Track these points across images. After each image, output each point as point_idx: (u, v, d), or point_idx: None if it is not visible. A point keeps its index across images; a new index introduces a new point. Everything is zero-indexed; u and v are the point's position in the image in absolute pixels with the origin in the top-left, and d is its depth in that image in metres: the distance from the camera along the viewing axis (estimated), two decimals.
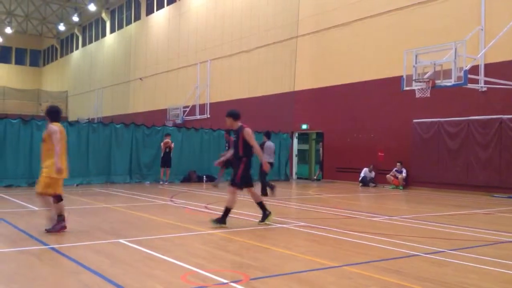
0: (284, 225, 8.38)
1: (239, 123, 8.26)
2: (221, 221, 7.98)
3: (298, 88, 22.69)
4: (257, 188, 10.05)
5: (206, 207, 10.76)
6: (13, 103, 44.77)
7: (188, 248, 6.26)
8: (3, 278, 4.77)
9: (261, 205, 8.43)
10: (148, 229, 7.94)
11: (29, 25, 47.43)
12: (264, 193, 13.20)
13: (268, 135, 14.84)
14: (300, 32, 22.68)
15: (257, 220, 8.60)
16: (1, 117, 16.38)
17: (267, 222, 8.32)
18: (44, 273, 4.95)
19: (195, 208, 10.64)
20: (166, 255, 5.71)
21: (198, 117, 28.53)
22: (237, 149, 8.28)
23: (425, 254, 6.18)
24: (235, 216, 9.48)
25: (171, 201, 12.06)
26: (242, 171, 8.16)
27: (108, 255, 5.73)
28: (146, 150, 18.31)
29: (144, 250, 6.03)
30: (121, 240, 6.62)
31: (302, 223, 8.61)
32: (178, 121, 29.09)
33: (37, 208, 10.12)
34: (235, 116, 8.29)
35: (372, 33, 19.55)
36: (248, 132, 8.07)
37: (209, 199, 12.62)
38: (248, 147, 8.13)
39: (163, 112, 31.41)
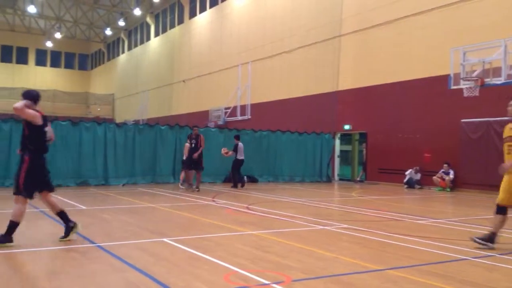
0: (327, 227, 8.29)
1: None
2: (4, 239, 6.13)
3: (340, 88, 22.43)
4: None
5: (247, 208, 10.80)
6: (62, 106, 46.49)
7: (231, 248, 6.30)
8: (51, 275, 4.94)
9: (62, 215, 6.73)
10: (191, 228, 8.05)
11: (77, 30, 49.15)
12: (235, 185, 16.58)
13: (238, 137, 17.11)
14: (343, 31, 22.41)
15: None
16: (51, 119, 17.02)
17: (70, 237, 6.59)
18: (90, 270, 5.10)
19: (237, 209, 10.70)
20: (209, 255, 5.77)
21: (239, 118, 28.70)
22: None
23: (473, 258, 5.96)
24: (278, 217, 9.47)
25: (213, 201, 12.18)
26: (25, 175, 6.28)
27: (152, 254, 5.84)
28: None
29: (187, 249, 6.11)
30: (165, 239, 6.74)
31: (345, 225, 8.49)
32: (220, 122, 29.37)
33: (84, 207, 10.46)
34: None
35: (417, 31, 19.07)
36: None
37: (251, 200, 12.67)
38: (32, 138, 6.31)
39: (205, 113, 31.81)
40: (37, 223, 8.34)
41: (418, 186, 18.24)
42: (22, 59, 50.80)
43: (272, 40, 26.80)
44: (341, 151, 23.21)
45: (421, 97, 18.72)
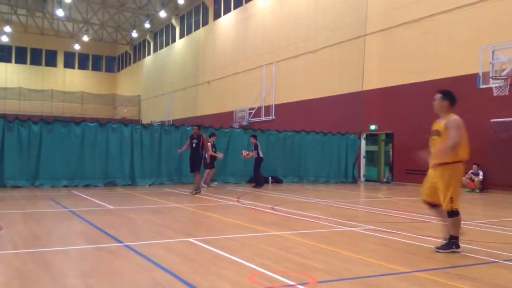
0: (352, 228, 8.22)
1: None
2: None
3: (366, 87, 22.21)
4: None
5: (272, 208, 10.80)
6: (90, 107, 47.38)
7: (255, 248, 6.31)
8: (81, 273, 5.04)
9: None
10: (216, 229, 8.09)
11: (104, 33, 50.00)
12: (259, 185, 16.69)
13: (255, 136, 17.63)
14: (368, 30, 22.19)
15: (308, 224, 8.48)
16: (79, 120, 17.39)
17: None
18: (118, 269, 5.18)
19: (261, 209, 10.70)
20: (234, 255, 5.79)
21: (264, 118, 28.72)
22: None
23: (503, 261, 5.82)
24: (302, 218, 9.44)
25: (238, 201, 12.22)
26: None
27: (178, 254, 5.90)
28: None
29: (212, 249, 6.14)
30: (190, 239, 6.80)
31: (371, 227, 8.40)
32: (244, 123, 29.46)
33: (112, 207, 10.63)
34: None
35: (443, 29, 18.74)
36: None
37: (275, 200, 12.66)
38: None
39: (230, 114, 31.95)
40: (66, 222, 8.52)
41: None
42: (51, 61, 51.95)
43: (297, 40, 26.73)
44: (366, 151, 22.98)
45: None
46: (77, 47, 49.96)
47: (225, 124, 25.08)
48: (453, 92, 6.54)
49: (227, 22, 34.34)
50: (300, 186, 18.30)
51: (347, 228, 8.21)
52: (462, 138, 6.11)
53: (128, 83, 53.55)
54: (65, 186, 15.61)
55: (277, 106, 28.20)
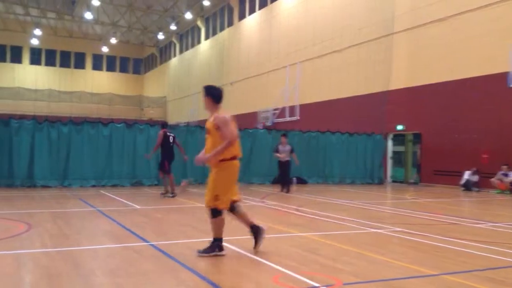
0: (379, 230, 8.11)
1: None
2: None
3: (393, 87, 21.91)
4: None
5: (297, 209, 10.76)
6: (118, 109, 48.14)
7: (280, 250, 6.29)
8: (109, 272, 5.12)
9: None
10: (240, 229, 8.09)
11: (131, 35, 50.74)
12: (288, 190, 15.16)
13: (286, 135, 16.36)
14: (395, 29, 21.88)
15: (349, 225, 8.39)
16: (107, 121, 17.68)
17: None
18: (145, 268, 5.24)
19: (286, 210, 10.67)
20: (258, 256, 5.78)
21: (288, 119, 28.64)
22: None
23: None
24: (328, 219, 9.37)
25: (263, 202, 12.21)
26: None
27: None
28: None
29: (236, 249, 6.16)
30: None
31: (398, 228, 8.28)
32: (268, 124, 29.43)
33: (139, 207, 10.77)
34: None
35: (473, 27, 18.33)
36: None
37: (300, 201, 12.61)
38: None
39: (254, 115, 31.97)
40: (94, 221, 8.67)
41: (476, 189, 17.51)
42: (79, 64, 53.00)
43: (322, 40, 26.57)
44: (393, 152, 22.67)
45: (477, 96, 17.98)
46: (105, 49, 50.83)
47: (249, 125, 25.11)
48: (218, 87, 6.13)
49: (252, 22, 34.39)
50: (325, 187, 18.17)
51: (373, 230, 8.10)
52: (234, 135, 5.79)
53: (154, 85, 54.18)
54: (93, 186, 15.89)
55: (301, 106, 28.08)
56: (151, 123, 19.27)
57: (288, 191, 15.11)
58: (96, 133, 16.34)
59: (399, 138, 22.76)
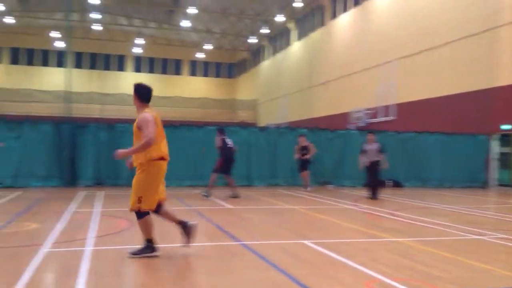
0: (480, 237, 7.56)
1: None
2: None
3: (498, 84, 20.34)
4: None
5: (391, 214, 10.36)
6: (211, 112, 49.87)
7: (373, 254, 6.09)
8: (203, 270, 5.29)
9: None
10: (331, 232, 7.98)
11: (225, 41, 52.33)
12: (375, 196, 13.18)
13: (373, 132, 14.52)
14: (500, 22, 20.30)
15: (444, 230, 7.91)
16: (201, 125, 18.37)
17: None
18: (236, 267, 5.34)
19: (380, 214, 10.33)
20: (350, 260, 5.65)
21: (382, 119, 27.72)
22: None
23: None
24: (425, 224, 8.93)
25: (355, 205, 11.93)
26: None
27: (293, 255, 5.91)
28: (329, 154, 18.49)
29: (328, 253, 6.06)
30: (305, 241, 6.78)
31: (502, 235, 7.65)
32: (361, 124, 28.72)
33: (231, 206, 11.04)
34: None
35: None
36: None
37: (395, 205, 12.13)
38: None
39: (346, 115, 31.39)
40: (190, 219, 9.01)
41: None
42: (177, 70, 55.75)
43: (418, 36, 25.41)
44: (500, 153, 21.01)
45: None
46: (200, 55, 52.94)
47: (341, 125, 24.69)
48: (147, 85, 5.89)
49: (345, 21, 33.85)
50: (422, 191, 17.32)
51: (474, 236, 7.56)
52: (157, 135, 5.58)
53: (246, 88, 55.35)
54: (189, 185, 16.57)
55: (397, 105, 27.06)
56: (243, 125, 19.70)
57: (375, 197, 13.17)
58: (191, 135, 17.07)
59: (505, 139, 21.03)
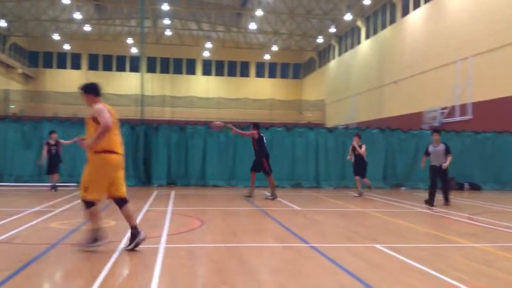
0: None
1: None
2: None
3: None
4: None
5: (469, 218, 9.83)
6: (278, 113, 49.97)
7: (449, 260, 5.81)
8: (272, 270, 5.30)
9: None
10: (405, 236, 7.71)
11: (292, 41, 52.27)
12: (447, 202, 11.91)
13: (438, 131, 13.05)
14: None
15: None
16: (268, 126, 18.46)
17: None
18: (305, 269, 5.30)
19: (457, 218, 9.83)
20: (425, 266, 5.42)
21: (458, 118, 26.40)
22: None
23: None
24: (506, 229, 8.38)
25: (429, 208, 11.44)
26: None
27: (364, 259, 5.77)
28: (401, 155, 17.89)
29: (400, 257, 5.85)
30: (377, 245, 6.59)
31: None
32: (435, 124, 27.52)
33: (299, 208, 10.98)
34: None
35: None
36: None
37: (473, 209, 11.50)
38: None
39: (419, 115, 30.23)
40: (258, 220, 9.08)
41: None
42: (244, 72, 56.48)
43: (495, 31, 23.96)
44: None
45: None
46: (267, 57, 53.28)
47: (414, 125, 23.80)
48: (92, 82, 6.14)
49: (416, 17, 32.66)
50: (501, 194, 16.30)
51: None
52: (108, 122, 5.68)
53: (313, 88, 54.93)
54: (257, 186, 16.67)
55: (474, 104, 25.67)
56: (310, 126, 19.57)
57: (447, 202, 11.84)
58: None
59: None
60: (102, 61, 52.99)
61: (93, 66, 52.69)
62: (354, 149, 14.39)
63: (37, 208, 9.88)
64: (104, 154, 5.80)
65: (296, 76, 58.33)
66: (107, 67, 52.89)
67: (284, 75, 57.75)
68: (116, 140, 5.96)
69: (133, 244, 5.92)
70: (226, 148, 17.00)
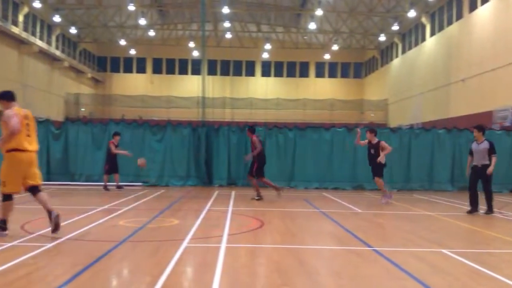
0: None
1: None
2: None
3: None
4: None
5: None
6: (339, 113, 49.27)
7: None
8: (332, 273, 5.23)
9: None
10: (473, 241, 7.35)
11: (352, 40, 51.36)
12: (490, 210, 10.53)
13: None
14: None
15: None
16: (328, 126, 18.24)
17: None
18: (367, 273, 5.18)
19: None
20: (494, 272, 5.15)
21: None
22: None
23: None
24: None
25: (500, 212, 10.85)
26: None
27: (430, 264, 5.56)
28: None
29: (468, 263, 5.59)
30: (443, 250, 6.33)
31: None
32: (507, 123, 26.05)
33: (360, 210, 10.76)
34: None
35: None
36: None
37: None
38: None
39: (489, 114, 28.75)
40: (317, 222, 8.99)
41: None
42: (304, 72, 56.20)
43: None
44: None
45: None
46: (327, 56, 52.70)
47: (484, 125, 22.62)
48: (7, 90, 6.91)
49: (486, 12, 31.08)
50: None
51: None
52: (15, 127, 6.45)
53: (375, 88, 53.70)
54: (316, 188, 16.55)
55: None
56: (372, 126, 19.12)
57: (490, 210, 10.53)
58: (319, 137, 17.01)
59: None
60: (165, 64, 54.66)
61: (157, 69, 54.50)
62: (372, 147, 12.55)
63: (106, 207, 10.34)
64: (15, 152, 6.58)
65: (357, 75, 57.28)
66: (170, 71, 54.52)
67: (344, 75, 56.87)
68: (28, 139, 6.71)
69: (53, 225, 6.60)
70: (285, 150, 16.97)
